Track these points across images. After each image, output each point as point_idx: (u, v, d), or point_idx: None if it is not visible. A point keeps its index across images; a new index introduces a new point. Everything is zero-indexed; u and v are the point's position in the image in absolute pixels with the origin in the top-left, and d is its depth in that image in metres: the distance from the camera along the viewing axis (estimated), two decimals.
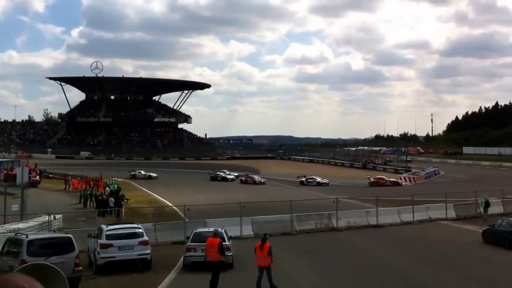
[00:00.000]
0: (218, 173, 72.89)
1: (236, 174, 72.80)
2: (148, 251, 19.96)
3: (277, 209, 31.12)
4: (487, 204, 35.59)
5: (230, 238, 20.72)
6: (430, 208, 35.13)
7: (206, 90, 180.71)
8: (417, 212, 33.58)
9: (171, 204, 39.50)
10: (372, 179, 64.83)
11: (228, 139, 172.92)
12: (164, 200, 44.72)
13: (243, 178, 68.63)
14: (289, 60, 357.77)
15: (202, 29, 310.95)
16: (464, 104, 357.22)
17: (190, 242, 20.19)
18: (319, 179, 65.86)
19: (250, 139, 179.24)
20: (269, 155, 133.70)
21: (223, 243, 19.32)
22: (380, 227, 31.05)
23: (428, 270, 19.68)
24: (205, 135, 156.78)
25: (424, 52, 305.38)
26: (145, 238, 20.28)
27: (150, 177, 71.41)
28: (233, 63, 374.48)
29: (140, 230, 20.54)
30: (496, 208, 36.45)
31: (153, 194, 50.64)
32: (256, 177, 67.73)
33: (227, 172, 73.90)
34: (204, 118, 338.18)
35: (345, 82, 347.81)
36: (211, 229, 21.37)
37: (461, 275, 18.83)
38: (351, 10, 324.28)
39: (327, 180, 65.88)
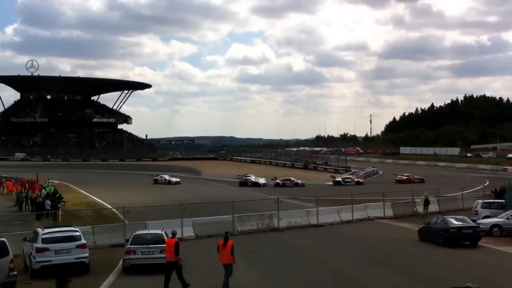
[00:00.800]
0: (249, 178, 65.98)
1: (263, 179, 66.14)
2: (86, 255, 19.48)
3: (219, 210, 31.05)
4: (426, 202, 36.88)
5: None
6: (369, 207, 35.88)
7: (146, 90, 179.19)
8: (356, 211, 34.29)
9: (109, 206, 38.80)
10: (404, 177, 67.18)
11: (169, 140, 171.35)
12: (103, 202, 43.87)
13: (280, 181, 63.35)
14: (231, 60, 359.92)
15: (142, 28, 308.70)
16: (401, 105, 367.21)
17: (130, 245, 19.85)
18: (356, 178, 65.92)
19: (192, 140, 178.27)
20: (211, 156, 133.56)
21: (164, 245, 19.23)
22: (321, 226, 31.44)
23: (366, 268, 20.05)
24: (146, 136, 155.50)
25: (363, 54, 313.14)
26: (83, 241, 19.78)
27: (169, 182, 66.17)
28: (174, 63, 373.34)
29: (78, 233, 20.03)
30: (431, 206, 37.71)
31: (92, 196, 49.58)
32: (293, 178, 64.03)
33: (254, 177, 66.83)
34: (144, 118, 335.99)
35: (286, 83, 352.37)
36: (151, 231, 21.22)
37: (397, 271, 19.26)
38: (292, 12, 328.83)
39: (363, 180, 66.33)
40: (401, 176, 68.21)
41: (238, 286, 16.70)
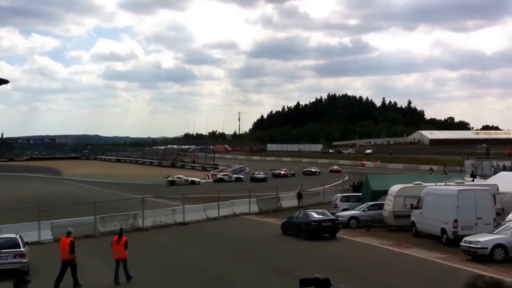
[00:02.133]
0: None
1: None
2: None
3: (82, 211, 29.89)
4: (299, 195, 38.64)
5: (26, 243, 19.39)
6: (235, 203, 36.34)
7: (3, 86, 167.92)
8: (222, 208, 34.54)
9: None
10: (334, 168, 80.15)
11: (28, 138, 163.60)
12: None
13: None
14: (96, 56, 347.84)
15: None
16: (269, 103, 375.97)
17: None
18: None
19: (52, 138, 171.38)
20: (74, 155, 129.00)
21: (18, 249, 18.38)
22: (186, 224, 31.29)
23: (230, 263, 20.24)
24: (2, 134, 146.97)
25: (233, 52, 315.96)
26: None
27: (193, 183, 60.27)
28: (35, 58, 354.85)
29: None
30: (296, 201, 38.98)
31: None
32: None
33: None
34: (0, 116, 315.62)
35: (155, 80, 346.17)
36: (4, 235, 20.09)
37: (261, 265, 19.61)
38: (161, 8, 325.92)
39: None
40: (336, 167, 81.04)
41: None
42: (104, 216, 29.10)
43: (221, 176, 65.54)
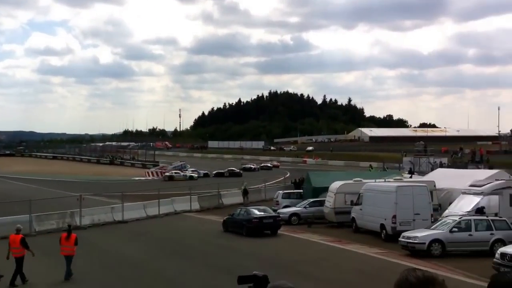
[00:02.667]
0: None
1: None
2: None
3: (13, 209, 28.82)
4: (245, 192, 39.07)
5: None
6: (176, 201, 36.00)
7: None
8: (162, 205, 34.10)
9: None
10: (274, 163, 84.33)
11: None
12: None
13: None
14: (31, 50, 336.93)
15: None
16: (210, 100, 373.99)
17: None
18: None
19: None
20: (8, 152, 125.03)
21: None
22: (126, 222, 30.71)
23: (170, 261, 19.94)
24: None
25: (173, 48, 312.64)
26: None
27: (192, 178, 58.91)
28: None
29: None
30: (237, 198, 38.93)
31: None
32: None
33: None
34: None
35: (92, 76, 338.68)
36: None
37: (202, 263, 19.46)
38: (98, 2, 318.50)
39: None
40: (276, 163, 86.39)
41: (40, 286, 15.69)
42: (40, 214, 28.22)
43: (191, 173, 64.60)
